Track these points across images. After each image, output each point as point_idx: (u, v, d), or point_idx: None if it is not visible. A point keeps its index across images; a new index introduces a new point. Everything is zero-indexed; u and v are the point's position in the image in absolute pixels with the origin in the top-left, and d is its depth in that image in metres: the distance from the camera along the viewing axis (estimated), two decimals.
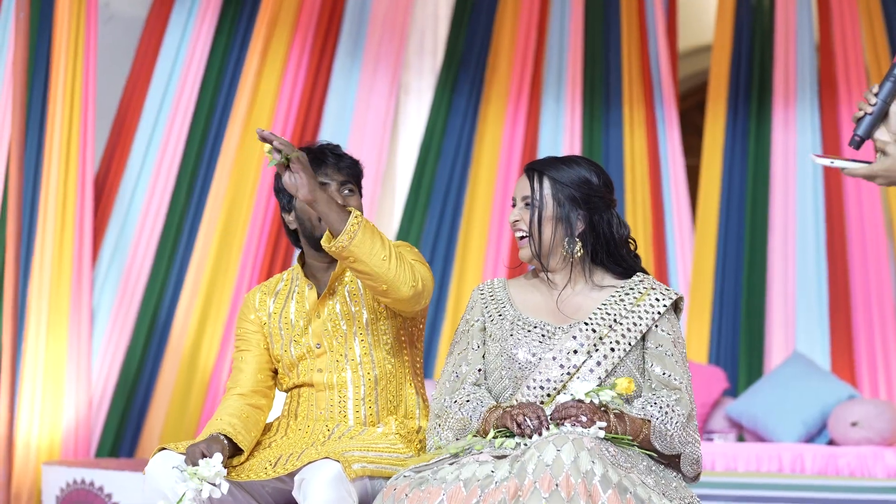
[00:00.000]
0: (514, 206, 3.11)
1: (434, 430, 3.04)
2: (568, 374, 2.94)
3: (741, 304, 7.01)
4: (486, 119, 7.29)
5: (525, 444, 2.74)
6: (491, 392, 3.04)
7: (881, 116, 2.68)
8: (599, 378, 2.93)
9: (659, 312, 3.01)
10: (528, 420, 2.79)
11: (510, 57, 7.29)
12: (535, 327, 3.04)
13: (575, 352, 2.95)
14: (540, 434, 2.75)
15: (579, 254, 3.06)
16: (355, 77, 7.03)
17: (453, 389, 3.05)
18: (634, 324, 3.00)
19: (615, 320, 3.00)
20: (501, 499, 2.59)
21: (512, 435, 2.81)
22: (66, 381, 5.76)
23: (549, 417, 2.81)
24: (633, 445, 2.84)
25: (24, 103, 5.53)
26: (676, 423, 2.89)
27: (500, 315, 3.09)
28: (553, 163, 3.09)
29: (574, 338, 2.97)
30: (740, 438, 6.36)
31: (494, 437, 2.84)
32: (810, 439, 6.13)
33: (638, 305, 3.02)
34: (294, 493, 2.92)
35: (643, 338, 3.01)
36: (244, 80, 6.54)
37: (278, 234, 6.65)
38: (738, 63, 7.27)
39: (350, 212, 2.97)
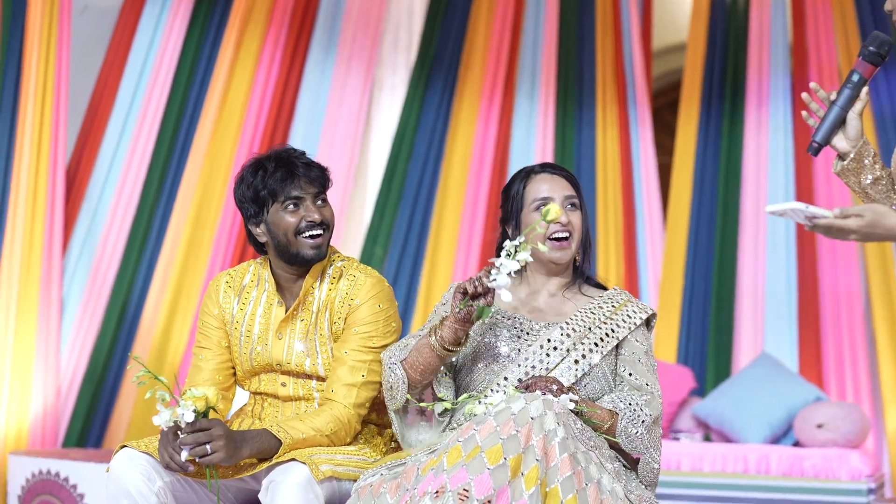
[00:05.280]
0: (542, 205, 3.03)
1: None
2: (547, 368, 2.96)
3: (710, 303, 7.01)
4: (459, 116, 7.26)
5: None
6: (460, 384, 3.05)
7: (839, 123, 2.70)
8: (574, 378, 2.95)
9: (635, 323, 3.05)
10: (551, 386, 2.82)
11: (484, 54, 7.27)
12: (516, 319, 3.05)
13: (555, 348, 2.97)
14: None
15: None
16: (329, 72, 7.00)
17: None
18: (613, 330, 3.03)
19: (594, 325, 3.02)
20: (453, 438, 2.60)
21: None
22: (34, 371, 5.71)
23: (518, 386, 2.85)
24: (600, 433, 2.86)
25: None
26: (643, 421, 2.90)
27: None
28: (565, 169, 3.11)
29: (553, 337, 2.99)
30: (706, 438, 6.37)
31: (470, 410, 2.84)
32: (776, 440, 6.15)
33: (616, 314, 3.05)
34: (261, 496, 2.91)
35: (617, 346, 3.04)
36: (217, 73, 6.50)
37: None
38: (712, 63, 7.26)
39: (279, 440, 2.97)
